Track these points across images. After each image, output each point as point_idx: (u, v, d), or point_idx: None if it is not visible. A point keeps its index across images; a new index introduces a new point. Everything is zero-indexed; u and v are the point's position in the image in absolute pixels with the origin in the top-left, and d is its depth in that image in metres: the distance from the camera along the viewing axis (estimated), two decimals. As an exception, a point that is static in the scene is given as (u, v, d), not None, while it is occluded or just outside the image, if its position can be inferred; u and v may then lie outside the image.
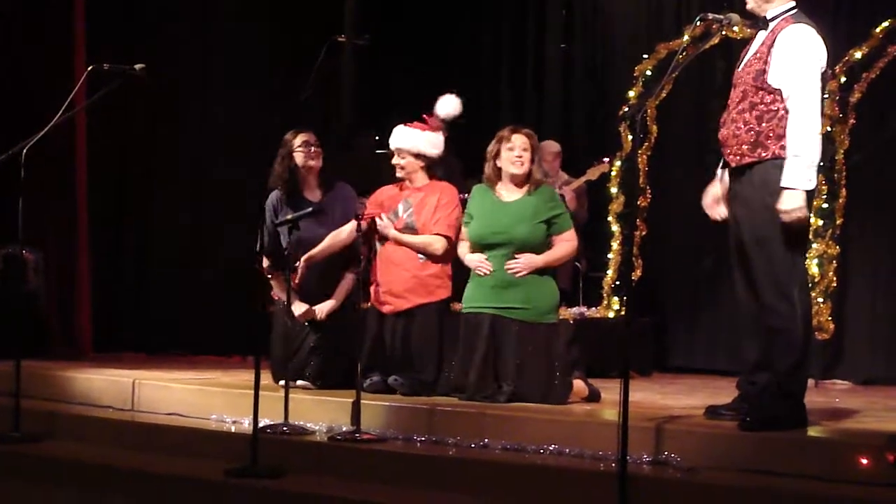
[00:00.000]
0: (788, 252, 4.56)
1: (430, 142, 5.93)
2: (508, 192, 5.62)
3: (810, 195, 4.56)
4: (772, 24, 4.67)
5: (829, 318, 7.13)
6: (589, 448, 4.62)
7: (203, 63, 8.59)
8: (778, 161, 4.54)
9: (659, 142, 8.02)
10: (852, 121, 7.21)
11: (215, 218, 8.30)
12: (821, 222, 7.08)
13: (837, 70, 7.12)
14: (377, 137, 7.78)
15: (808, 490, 4.07)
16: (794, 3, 4.71)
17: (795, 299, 4.53)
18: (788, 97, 4.53)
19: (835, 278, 7.16)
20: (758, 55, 4.66)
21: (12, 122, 7.05)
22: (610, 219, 7.96)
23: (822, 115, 4.74)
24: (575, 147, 8.61)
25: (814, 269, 7.06)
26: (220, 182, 8.30)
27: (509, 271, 5.48)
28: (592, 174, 8.07)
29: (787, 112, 4.54)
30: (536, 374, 5.38)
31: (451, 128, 7.04)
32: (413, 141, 5.90)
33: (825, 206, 7.09)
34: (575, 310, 7.45)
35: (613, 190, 7.97)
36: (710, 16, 4.76)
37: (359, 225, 5.47)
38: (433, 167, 5.97)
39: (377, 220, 5.84)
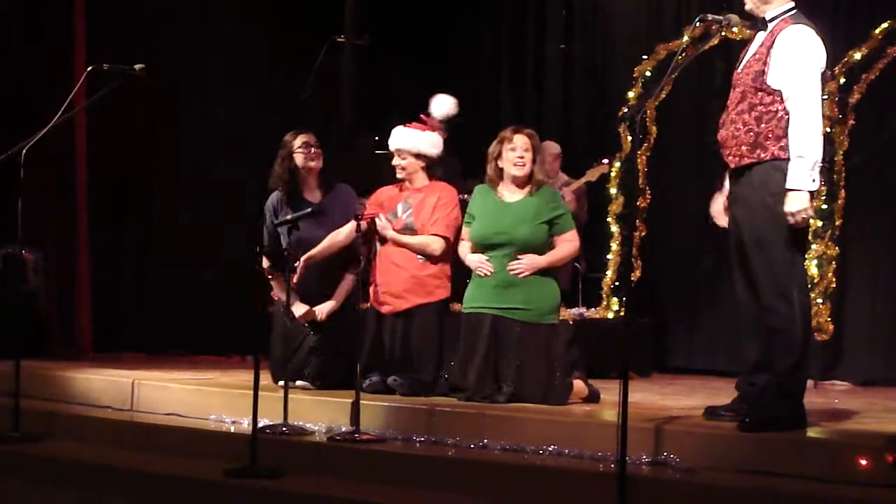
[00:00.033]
0: (788, 253, 4.56)
1: (430, 142, 5.93)
2: (510, 193, 5.63)
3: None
4: (771, 25, 4.67)
5: (829, 319, 7.14)
6: (588, 448, 4.62)
7: (203, 63, 8.58)
8: (777, 162, 4.54)
9: (658, 143, 8.02)
10: (851, 122, 7.21)
11: (215, 218, 8.30)
12: (820, 223, 7.08)
13: (837, 71, 7.13)
14: (377, 137, 7.78)
15: (807, 491, 4.07)
16: (793, 4, 4.71)
17: (795, 300, 4.53)
18: (789, 98, 4.53)
19: (834, 279, 7.17)
20: (757, 56, 4.66)
21: (12, 122, 7.04)
22: (609, 219, 7.96)
23: (822, 115, 4.73)
24: (574, 147, 8.62)
25: (813, 269, 7.07)
26: (220, 182, 8.30)
27: (512, 272, 5.48)
28: (592, 175, 8.08)
29: (786, 113, 4.55)
30: (536, 375, 5.39)
31: (450, 128, 7.05)
32: (413, 141, 5.90)
33: (824, 207, 7.09)
34: (574, 310, 7.46)
35: (613, 191, 7.98)
36: (710, 17, 4.76)
37: (358, 225, 5.47)
38: (433, 167, 5.97)
39: (376, 220, 5.84)
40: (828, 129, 6.95)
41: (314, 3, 8.75)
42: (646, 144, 7.97)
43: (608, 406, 5.24)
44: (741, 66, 4.76)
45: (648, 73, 7.91)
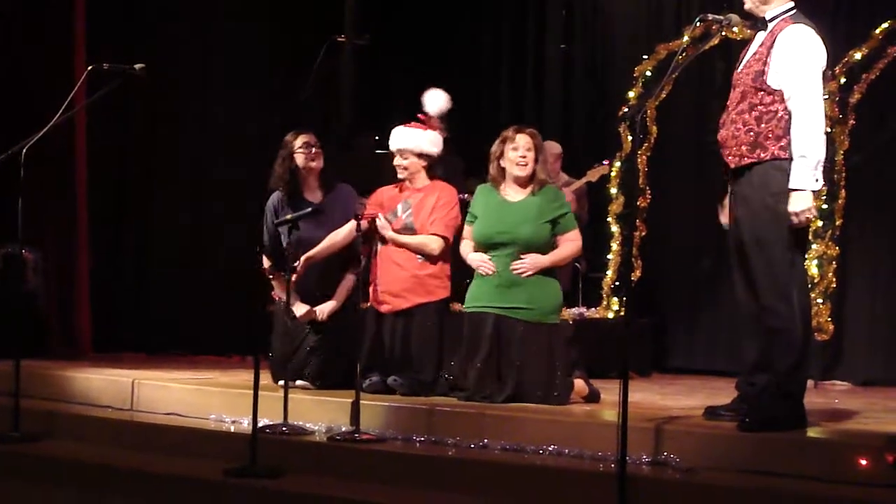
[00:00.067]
0: (788, 253, 4.56)
1: (431, 141, 5.94)
2: (513, 192, 5.63)
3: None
4: (771, 25, 4.67)
5: (829, 319, 7.14)
6: (588, 448, 4.62)
7: (203, 63, 8.58)
8: (777, 162, 4.54)
9: (658, 143, 8.02)
10: (852, 122, 7.21)
11: (215, 218, 8.30)
12: (820, 223, 7.08)
13: (837, 71, 7.13)
14: (377, 137, 7.78)
15: (807, 491, 4.07)
16: (792, 4, 4.71)
17: (795, 300, 4.53)
18: (790, 98, 4.53)
19: (834, 279, 7.17)
20: (757, 56, 4.66)
21: (12, 122, 7.04)
22: (609, 219, 7.96)
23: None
24: (574, 147, 8.62)
25: (813, 269, 7.07)
26: (220, 182, 8.30)
27: (515, 271, 5.48)
28: (592, 176, 8.08)
29: (786, 113, 4.55)
30: (537, 375, 5.38)
31: (451, 128, 7.06)
32: (416, 141, 5.90)
33: (825, 206, 7.09)
34: (574, 310, 7.45)
35: (613, 191, 7.98)
36: (710, 16, 4.76)
37: (358, 225, 5.47)
38: (434, 167, 5.97)
39: (377, 220, 5.84)
40: (828, 129, 6.93)
41: (314, 3, 8.75)
42: (646, 144, 7.97)
43: (608, 406, 5.24)
44: (741, 66, 4.76)
45: (649, 73, 7.91)
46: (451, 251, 5.90)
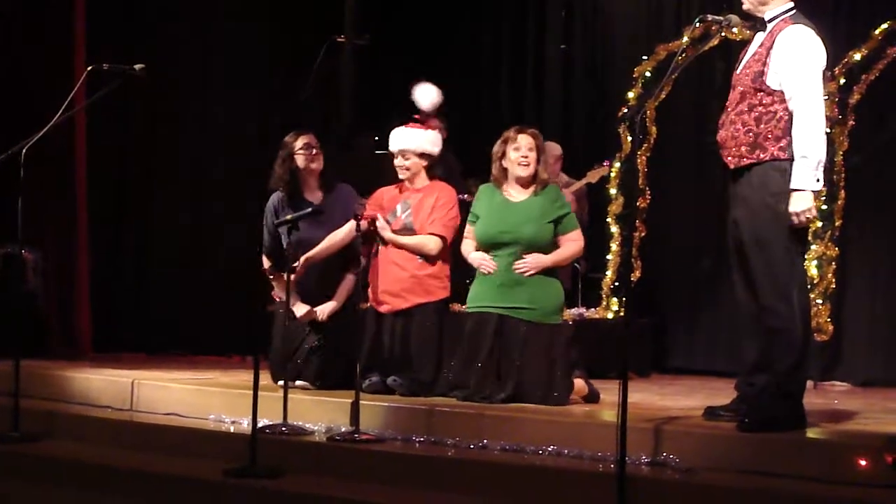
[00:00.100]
0: (788, 253, 4.56)
1: (432, 140, 5.95)
2: (516, 192, 5.63)
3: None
4: (770, 26, 4.67)
5: (828, 320, 7.14)
6: (588, 449, 4.62)
7: (203, 63, 8.58)
8: (777, 162, 4.55)
9: (658, 143, 8.03)
10: (851, 122, 7.22)
11: (215, 218, 8.30)
12: (820, 224, 7.09)
13: (837, 72, 7.13)
14: (377, 137, 7.78)
15: (806, 491, 4.07)
16: (792, 4, 4.71)
17: (795, 300, 4.53)
18: (791, 98, 4.53)
19: (834, 280, 7.17)
20: (756, 57, 4.66)
21: (12, 122, 7.04)
22: (609, 220, 7.97)
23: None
24: (574, 147, 8.62)
25: (813, 270, 7.07)
26: (220, 182, 8.30)
27: (517, 270, 5.48)
28: (592, 177, 8.08)
29: (785, 113, 4.55)
30: (538, 375, 5.39)
31: (450, 128, 7.05)
32: (418, 141, 5.90)
33: (824, 207, 7.10)
34: (574, 311, 7.46)
35: (613, 191, 7.98)
36: (710, 17, 4.76)
37: (358, 225, 5.47)
38: (434, 167, 5.98)
39: (376, 220, 5.84)
40: (828, 130, 6.93)
41: (314, 3, 8.75)
42: (646, 145, 7.98)
43: (608, 406, 5.24)
44: (741, 67, 4.76)
45: (648, 74, 7.91)
46: (450, 251, 5.90)
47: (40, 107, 6.45)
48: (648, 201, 7.93)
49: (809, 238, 6.69)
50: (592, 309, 7.77)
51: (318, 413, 5.39)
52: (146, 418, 5.78)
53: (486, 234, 5.61)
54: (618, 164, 7.97)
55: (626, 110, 7.92)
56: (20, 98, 7.49)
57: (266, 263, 6.01)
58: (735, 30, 6.78)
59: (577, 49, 9.03)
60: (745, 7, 4.76)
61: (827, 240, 7.14)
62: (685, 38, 7.31)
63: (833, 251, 7.17)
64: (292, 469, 4.79)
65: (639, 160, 7.89)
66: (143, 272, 8.41)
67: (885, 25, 7.13)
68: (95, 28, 7.78)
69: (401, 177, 5.95)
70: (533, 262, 5.49)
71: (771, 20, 4.67)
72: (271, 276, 6.03)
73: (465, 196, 6.80)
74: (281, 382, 5.50)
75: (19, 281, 7.18)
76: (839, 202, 7.17)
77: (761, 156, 4.57)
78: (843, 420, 5.15)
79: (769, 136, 4.55)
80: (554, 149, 8.09)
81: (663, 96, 7.77)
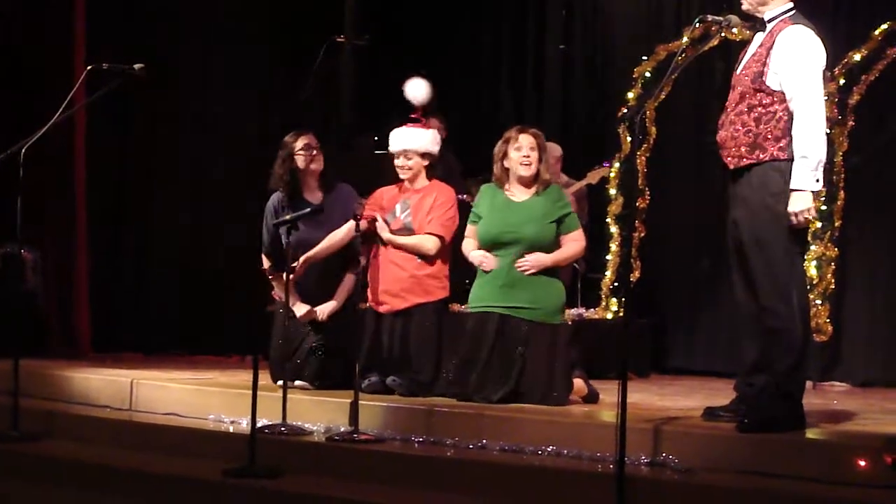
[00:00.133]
0: (787, 253, 4.56)
1: (432, 139, 5.96)
2: (518, 192, 5.63)
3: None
4: (770, 26, 4.67)
5: (828, 321, 7.15)
6: (587, 449, 4.62)
7: (203, 63, 8.58)
8: (776, 163, 4.55)
9: (658, 143, 8.03)
10: (851, 123, 7.22)
11: (215, 218, 8.30)
12: (819, 224, 7.09)
13: (836, 72, 7.13)
14: (377, 137, 7.78)
15: (805, 492, 4.07)
16: (791, 5, 4.71)
17: (794, 300, 4.53)
18: (792, 99, 4.53)
19: (833, 280, 7.17)
20: (756, 57, 4.66)
21: (12, 122, 7.04)
22: (609, 220, 7.97)
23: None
24: (574, 148, 8.62)
25: (812, 271, 7.07)
26: (220, 182, 8.30)
27: (518, 268, 5.48)
28: (593, 178, 8.07)
29: (785, 114, 4.55)
30: (538, 375, 5.39)
31: (450, 128, 7.05)
32: (421, 141, 5.90)
33: (824, 208, 7.10)
34: (573, 311, 7.45)
35: (612, 191, 7.98)
36: (710, 17, 4.76)
37: (357, 225, 5.47)
38: (433, 167, 5.98)
39: (376, 220, 5.84)
40: (827, 131, 6.94)
41: (314, 3, 8.75)
42: (645, 145, 7.98)
43: (607, 407, 5.24)
44: (740, 67, 4.76)
45: (648, 74, 7.92)
46: (449, 251, 5.90)
47: (40, 106, 6.45)
48: (648, 201, 7.93)
49: (809, 239, 6.69)
50: (592, 309, 7.77)
51: (317, 413, 5.39)
52: (145, 418, 5.78)
53: (488, 233, 5.61)
54: (617, 165, 7.97)
55: (625, 110, 7.92)
56: (20, 98, 7.49)
57: (266, 263, 6.01)
58: (735, 30, 6.78)
59: (577, 49, 9.03)
60: (744, 7, 4.76)
61: (826, 240, 7.14)
62: (685, 39, 7.31)
63: (832, 252, 7.17)
64: (291, 469, 4.79)
65: (638, 160, 7.89)
66: (143, 272, 8.41)
67: (884, 26, 7.13)
68: (95, 28, 7.77)
69: (402, 177, 5.95)
70: (533, 260, 5.49)
71: (771, 20, 4.67)
72: (271, 277, 6.03)
73: (465, 196, 6.80)
74: (280, 382, 5.50)
75: (19, 280, 7.18)
76: (839, 203, 7.17)
77: (761, 156, 4.57)
78: (843, 420, 5.15)
79: (769, 136, 4.55)
80: (554, 150, 8.08)
81: (663, 96, 7.77)
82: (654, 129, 8.00)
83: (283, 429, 5.17)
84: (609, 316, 7.75)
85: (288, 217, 5.56)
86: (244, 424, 5.26)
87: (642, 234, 7.90)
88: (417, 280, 5.77)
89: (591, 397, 5.56)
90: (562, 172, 8.25)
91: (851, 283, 7.39)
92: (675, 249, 8.18)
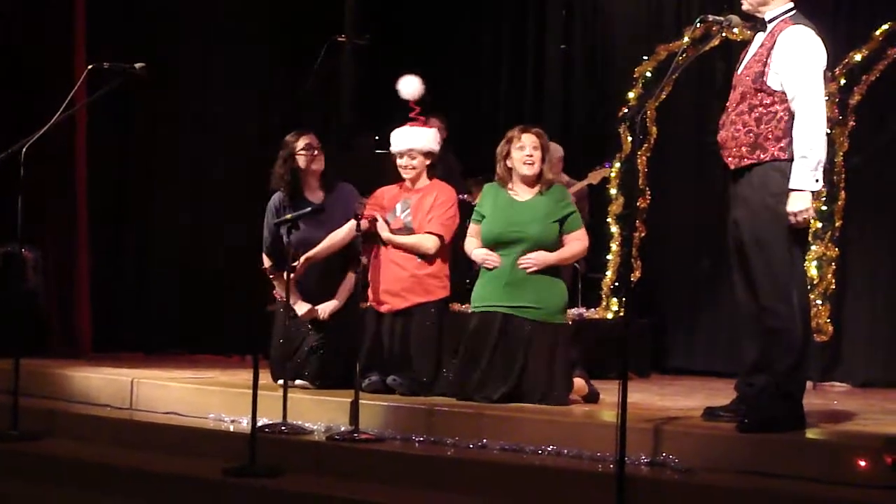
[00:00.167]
0: (788, 253, 4.56)
1: (433, 138, 5.97)
2: (521, 192, 5.64)
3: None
4: (770, 26, 4.67)
5: (828, 321, 7.14)
6: (587, 449, 4.62)
7: (203, 63, 8.58)
8: (777, 163, 4.55)
9: (658, 143, 8.03)
10: (852, 123, 7.22)
11: (215, 218, 8.30)
12: (820, 224, 7.09)
13: (837, 72, 7.13)
14: (377, 137, 7.78)
15: (806, 492, 4.08)
16: (792, 5, 4.71)
17: (794, 300, 4.53)
18: (792, 99, 4.53)
19: (833, 280, 7.17)
20: (757, 57, 4.66)
21: (12, 122, 7.04)
22: (609, 220, 7.97)
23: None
24: (574, 148, 8.62)
25: (813, 271, 7.07)
26: (220, 182, 8.30)
27: (521, 266, 5.48)
28: (594, 178, 8.07)
29: (785, 114, 4.55)
30: (539, 375, 5.39)
31: (450, 128, 7.05)
32: (422, 140, 5.91)
33: (824, 208, 7.10)
34: (574, 311, 7.45)
35: (613, 191, 7.98)
36: (711, 17, 4.76)
37: (358, 224, 5.47)
38: (434, 166, 5.98)
39: (376, 220, 5.84)
40: (828, 131, 6.94)
41: (314, 3, 8.75)
42: (646, 145, 7.97)
43: (607, 406, 5.24)
44: (741, 67, 4.76)
45: (649, 74, 7.91)
46: (450, 251, 5.91)
47: (40, 106, 6.45)
48: (648, 201, 7.93)
49: (809, 239, 6.68)
50: (592, 309, 7.77)
51: (317, 412, 5.39)
52: (146, 417, 5.78)
53: (491, 232, 5.61)
54: (618, 165, 7.96)
55: (626, 110, 7.91)
56: (20, 98, 7.48)
57: (267, 263, 6.01)
58: (735, 30, 6.79)
59: (577, 49, 9.02)
60: (745, 7, 4.76)
61: (827, 240, 7.14)
62: (686, 39, 7.31)
63: (833, 252, 7.17)
64: (292, 468, 4.79)
65: (639, 160, 7.89)
66: (144, 271, 8.41)
67: (885, 26, 7.13)
68: (95, 28, 7.77)
69: (405, 176, 5.95)
70: (536, 258, 5.49)
71: (771, 20, 4.68)
72: (272, 276, 6.03)
73: (465, 196, 6.80)
74: (281, 382, 5.50)
75: (19, 280, 7.18)
76: (839, 203, 7.17)
77: (762, 156, 4.57)
78: (843, 421, 5.16)
79: (769, 136, 4.56)
80: (556, 150, 8.07)
81: (664, 96, 7.77)
82: (654, 129, 8.00)
83: (283, 428, 5.17)
84: (609, 316, 7.74)
85: (289, 216, 5.56)
86: (244, 424, 5.26)
87: (643, 234, 7.90)
88: (418, 280, 5.77)
89: (592, 397, 5.56)
90: (563, 172, 8.26)
91: (852, 284, 7.39)
92: (676, 249, 8.18)
